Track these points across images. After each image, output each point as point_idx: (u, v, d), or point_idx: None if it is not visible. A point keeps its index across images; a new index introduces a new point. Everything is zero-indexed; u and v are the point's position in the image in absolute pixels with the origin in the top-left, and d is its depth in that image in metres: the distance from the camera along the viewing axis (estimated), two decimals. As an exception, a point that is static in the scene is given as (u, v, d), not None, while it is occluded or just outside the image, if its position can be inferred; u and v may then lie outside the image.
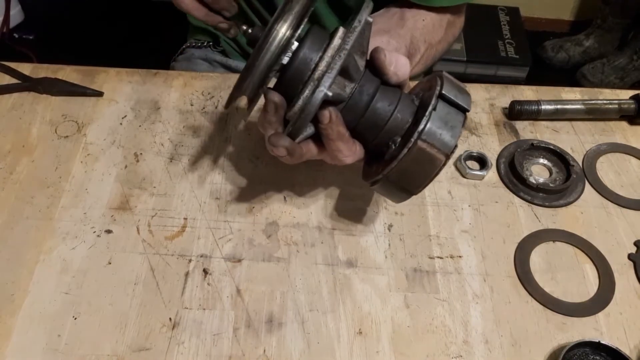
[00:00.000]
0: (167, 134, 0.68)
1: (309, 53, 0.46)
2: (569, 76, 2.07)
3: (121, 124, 0.69)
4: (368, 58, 0.49)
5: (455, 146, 0.46)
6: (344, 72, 0.46)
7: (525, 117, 0.73)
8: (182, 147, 0.67)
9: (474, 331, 0.54)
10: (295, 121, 0.46)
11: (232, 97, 0.49)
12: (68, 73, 0.74)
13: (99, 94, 0.72)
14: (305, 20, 0.45)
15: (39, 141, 0.67)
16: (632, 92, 0.76)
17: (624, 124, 0.75)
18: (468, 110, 0.48)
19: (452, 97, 0.47)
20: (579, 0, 2.24)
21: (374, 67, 0.48)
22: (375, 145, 0.50)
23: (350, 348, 0.52)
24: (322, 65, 0.44)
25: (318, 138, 0.50)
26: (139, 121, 0.70)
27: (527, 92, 0.77)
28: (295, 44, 0.46)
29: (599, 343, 0.51)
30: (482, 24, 2.08)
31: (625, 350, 0.53)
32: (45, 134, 0.67)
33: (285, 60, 0.46)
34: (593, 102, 0.74)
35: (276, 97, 0.46)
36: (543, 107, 0.73)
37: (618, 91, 0.78)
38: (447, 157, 0.47)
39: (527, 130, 0.73)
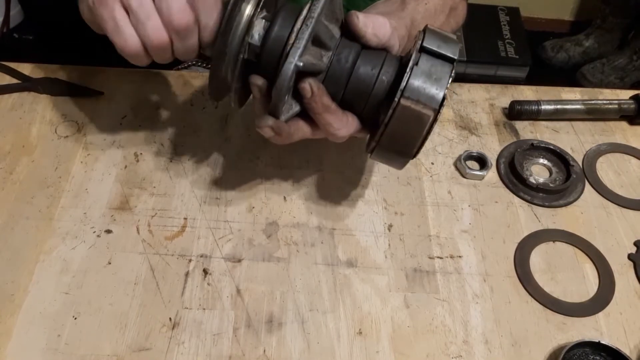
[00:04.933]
0: (167, 134, 0.68)
1: (280, 31, 0.45)
2: (569, 76, 2.07)
3: (121, 124, 0.69)
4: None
5: (444, 98, 0.44)
6: (317, 42, 0.45)
7: (525, 117, 0.73)
8: (182, 147, 0.67)
9: (474, 331, 0.54)
10: (273, 97, 0.45)
11: (212, 88, 0.48)
12: (68, 73, 0.74)
13: (99, 94, 0.72)
14: None
15: (39, 141, 0.67)
16: (632, 92, 0.76)
17: (624, 124, 0.75)
18: (454, 59, 0.45)
19: (435, 49, 0.45)
20: (579, 0, 2.24)
21: (351, 32, 0.47)
22: (368, 113, 0.49)
23: (350, 348, 0.52)
24: (292, 39, 0.43)
25: (309, 116, 0.48)
26: (139, 121, 0.70)
27: (527, 92, 0.77)
28: (264, 23, 0.45)
29: (599, 343, 0.51)
30: (482, 24, 2.08)
31: (625, 350, 0.53)
32: (45, 134, 0.67)
33: (257, 41, 0.45)
34: (593, 102, 0.74)
35: (258, 80, 0.46)
36: (543, 107, 0.73)
37: (618, 91, 0.78)
38: (436, 111, 0.44)
39: (527, 130, 0.73)
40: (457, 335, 0.54)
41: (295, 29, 0.44)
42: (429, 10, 0.63)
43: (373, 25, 0.47)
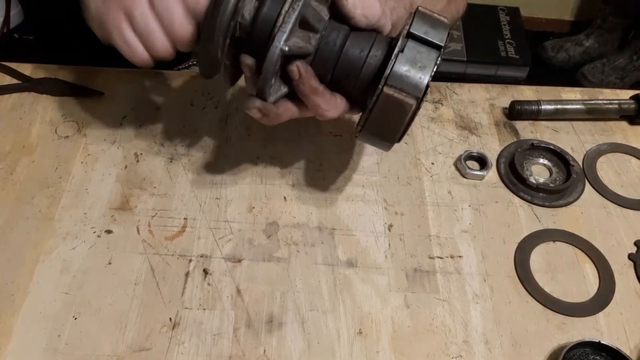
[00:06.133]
0: (167, 134, 0.68)
1: (269, 11, 0.45)
2: (569, 76, 2.07)
3: (121, 124, 0.69)
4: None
5: (427, 87, 0.44)
6: (305, 24, 0.45)
7: (525, 117, 0.73)
8: (182, 147, 0.67)
9: (474, 331, 0.54)
10: (259, 80, 0.45)
11: (202, 66, 0.49)
12: (68, 73, 0.74)
13: (99, 94, 0.72)
14: None
15: (39, 141, 0.67)
16: (632, 92, 0.76)
17: (624, 124, 0.75)
18: (441, 46, 0.45)
19: (422, 35, 0.44)
20: (579, 0, 2.24)
21: (340, 13, 0.47)
22: (357, 94, 0.49)
23: (350, 348, 0.52)
24: (279, 22, 0.43)
25: (297, 97, 0.48)
26: (139, 121, 0.70)
27: (527, 92, 0.77)
28: (254, 2, 0.45)
29: (599, 343, 0.51)
30: (482, 24, 2.08)
31: (626, 350, 0.53)
32: (45, 134, 0.67)
33: (247, 20, 0.45)
34: (593, 102, 0.74)
35: (248, 59, 0.47)
36: (543, 107, 0.73)
37: (618, 91, 0.78)
38: (418, 99, 0.44)
39: (527, 130, 0.73)
40: (457, 335, 0.54)
41: (283, 11, 0.43)
42: None
43: (362, 6, 0.46)
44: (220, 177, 0.65)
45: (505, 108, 0.75)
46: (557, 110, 0.73)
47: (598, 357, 0.52)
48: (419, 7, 0.48)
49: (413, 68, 0.44)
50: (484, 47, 2.02)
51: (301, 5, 0.43)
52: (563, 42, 2.13)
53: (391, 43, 0.47)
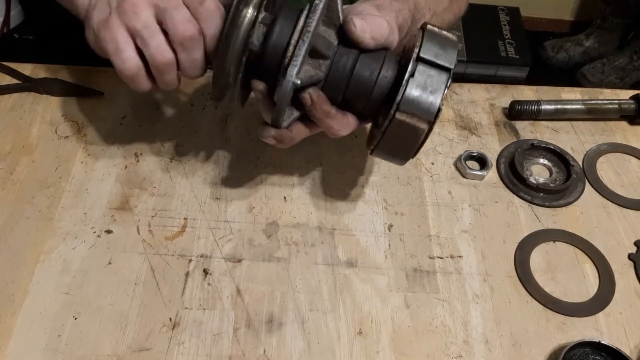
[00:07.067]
0: (167, 134, 0.68)
1: (278, 40, 0.45)
2: (569, 76, 2.07)
3: (121, 124, 0.69)
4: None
5: (439, 110, 0.45)
6: (315, 53, 0.45)
7: (525, 117, 0.73)
8: (182, 147, 0.67)
9: (474, 331, 0.54)
10: (273, 111, 0.46)
11: (216, 90, 0.49)
12: (68, 73, 0.74)
13: (99, 94, 0.72)
14: None
15: (39, 141, 0.67)
16: (632, 92, 0.76)
17: (624, 124, 0.75)
18: (451, 69, 0.45)
19: (432, 59, 0.45)
20: (579, 0, 2.24)
21: (349, 38, 0.47)
22: (368, 112, 0.49)
23: (350, 348, 0.52)
24: (289, 52, 0.44)
25: (308, 118, 0.49)
26: (139, 121, 0.70)
27: (527, 92, 0.77)
28: (263, 28, 0.45)
29: (599, 343, 0.51)
30: (482, 24, 2.08)
31: (626, 350, 0.53)
32: (45, 134, 0.67)
33: (257, 46, 0.45)
34: (593, 102, 0.74)
35: (260, 85, 0.47)
36: (543, 107, 0.73)
37: (618, 91, 0.78)
38: (430, 123, 0.45)
39: (527, 130, 0.73)
40: (457, 335, 0.54)
41: (293, 41, 0.44)
42: None
43: (370, 29, 0.46)
44: (220, 177, 0.65)
45: (505, 108, 0.75)
46: (557, 110, 0.73)
47: (598, 357, 0.52)
48: (428, 26, 0.48)
49: (424, 92, 0.44)
50: (484, 47, 2.02)
51: (311, 36, 0.43)
52: (563, 42, 2.13)
53: (400, 62, 0.48)
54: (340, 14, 0.47)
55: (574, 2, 2.25)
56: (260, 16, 0.45)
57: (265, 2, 0.46)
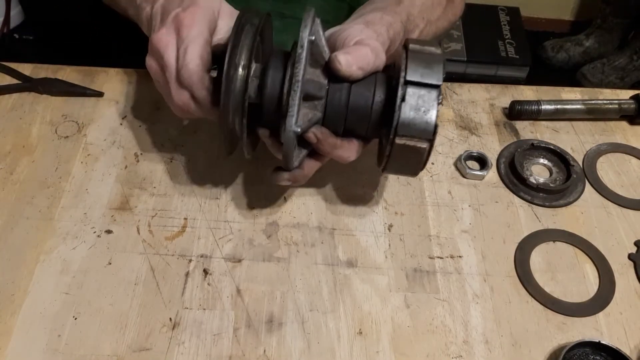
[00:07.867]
0: (167, 134, 0.68)
1: (272, 90, 0.48)
2: (569, 76, 2.07)
3: (121, 124, 0.69)
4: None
5: (436, 126, 0.46)
6: (308, 97, 0.47)
7: (525, 117, 0.73)
8: (182, 147, 0.67)
9: (474, 331, 0.54)
10: (282, 158, 0.49)
11: (226, 142, 0.51)
12: (68, 73, 0.74)
13: (99, 94, 0.72)
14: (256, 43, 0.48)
15: (39, 141, 0.67)
16: (632, 92, 0.76)
17: (624, 124, 0.75)
18: (440, 85, 0.46)
19: (419, 80, 0.46)
20: (579, 0, 2.24)
21: (337, 75, 0.48)
22: (371, 134, 0.52)
23: (350, 348, 0.52)
24: (284, 102, 0.46)
25: (316, 152, 0.52)
26: (139, 121, 0.70)
27: (527, 92, 0.77)
28: (256, 81, 0.48)
29: (599, 343, 0.51)
30: (482, 24, 2.08)
31: (626, 350, 0.53)
32: (45, 134, 0.67)
33: (254, 98, 0.48)
34: (593, 102, 0.74)
35: (266, 132, 0.52)
36: (543, 107, 0.73)
37: (618, 91, 0.78)
38: (430, 141, 0.47)
39: (527, 130, 0.73)
40: (457, 335, 0.54)
41: (285, 90, 0.46)
42: (425, 4, 0.62)
43: (356, 61, 0.47)
44: (220, 177, 0.65)
45: (505, 108, 0.75)
46: (557, 110, 0.73)
47: (598, 357, 0.52)
48: (410, 45, 0.49)
49: (418, 114, 0.46)
50: (484, 47, 2.02)
51: (301, 85, 0.44)
52: (563, 42, 2.13)
53: (392, 83, 0.49)
54: (326, 49, 0.49)
55: (574, 2, 2.25)
56: (252, 69, 0.47)
57: (254, 54, 0.47)
